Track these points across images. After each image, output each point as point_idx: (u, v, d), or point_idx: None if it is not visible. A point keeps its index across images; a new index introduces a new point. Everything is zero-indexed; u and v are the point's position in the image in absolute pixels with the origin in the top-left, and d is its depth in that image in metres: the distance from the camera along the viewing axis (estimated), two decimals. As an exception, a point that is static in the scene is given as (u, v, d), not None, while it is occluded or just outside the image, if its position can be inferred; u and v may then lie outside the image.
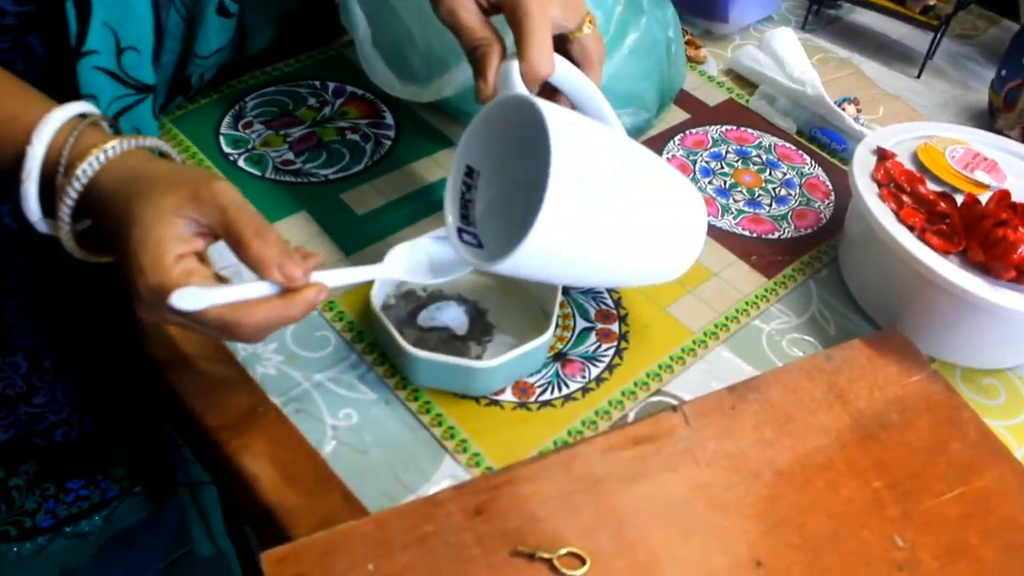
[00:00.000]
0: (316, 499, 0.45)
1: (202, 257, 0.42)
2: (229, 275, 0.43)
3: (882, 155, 0.57)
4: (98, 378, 0.70)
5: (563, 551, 0.41)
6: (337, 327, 0.52)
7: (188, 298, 0.38)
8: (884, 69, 0.82)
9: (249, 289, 0.40)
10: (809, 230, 0.63)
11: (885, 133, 0.59)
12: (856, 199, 0.54)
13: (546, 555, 0.41)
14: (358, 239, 0.58)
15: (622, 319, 0.55)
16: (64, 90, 0.54)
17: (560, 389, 0.50)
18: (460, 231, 0.47)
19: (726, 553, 0.43)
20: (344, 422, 0.48)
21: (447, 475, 0.46)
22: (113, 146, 0.42)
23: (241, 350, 0.51)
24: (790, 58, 0.73)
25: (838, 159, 0.69)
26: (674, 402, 0.50)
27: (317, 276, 0.42)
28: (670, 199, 0.47)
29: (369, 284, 0.51)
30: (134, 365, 0.67)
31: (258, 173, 0.61)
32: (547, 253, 0.42)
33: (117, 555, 0.92)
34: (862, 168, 0.56)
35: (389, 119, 0.67)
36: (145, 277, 0.39)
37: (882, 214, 0.53)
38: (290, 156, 0.63)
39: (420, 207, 0.60)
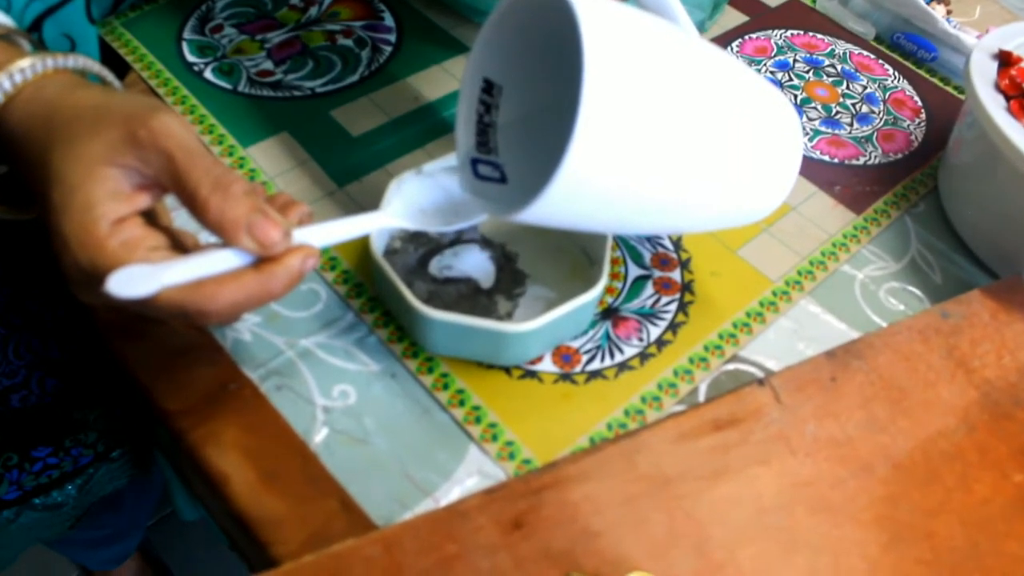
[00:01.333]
0: (305, 506, 0.34)
1: (150, 217, 0.31)
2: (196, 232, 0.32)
3: (1006, 60, 0.46)
4: (56, 329, 0.59)
5: (630, 578, 0.32)
6: (328, 278, 0.42)
7: (130, 281, 0.28)
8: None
9: (212, 261, 0.29)
10: (899, 155, 0.52)
11: (1007, 33, 0.48)
12: (977, 114, 0.43)
13: (607, 583, 0.31)
14: (353, 166, 0.47)
15: (684, 264, 0.44)
16: None
17: (612, 355, 0.40)
18: (475, 162, 0.36)
19: (838, 573, 0.33)
20: (339, 402, 0.37)
21: (473, 471, 0.36)
22: (22, 68, 0.31)
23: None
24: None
25: (926, 69, 0.58)
26: (757, 372, 0.40)
27: (301, 235, 0.31)
28: (757, 117, 0.36)
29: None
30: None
31: (229, 86, 0.50)
32: (587, 190, 0.31)
33: (102, 519, 0.83)
34: (982, 77, 0.45)
35: (389, 20, 0.55)
36: (72, 254, 0.29)
37: (1014, 132, 0.42)
38: (268, 66, 0.51)
39: (428, 127, 0.49)
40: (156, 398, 0.37)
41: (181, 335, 0.39)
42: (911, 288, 0.45)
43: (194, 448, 0.36)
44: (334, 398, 0.38)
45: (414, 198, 0.38)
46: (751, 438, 0.36)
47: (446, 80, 0.52)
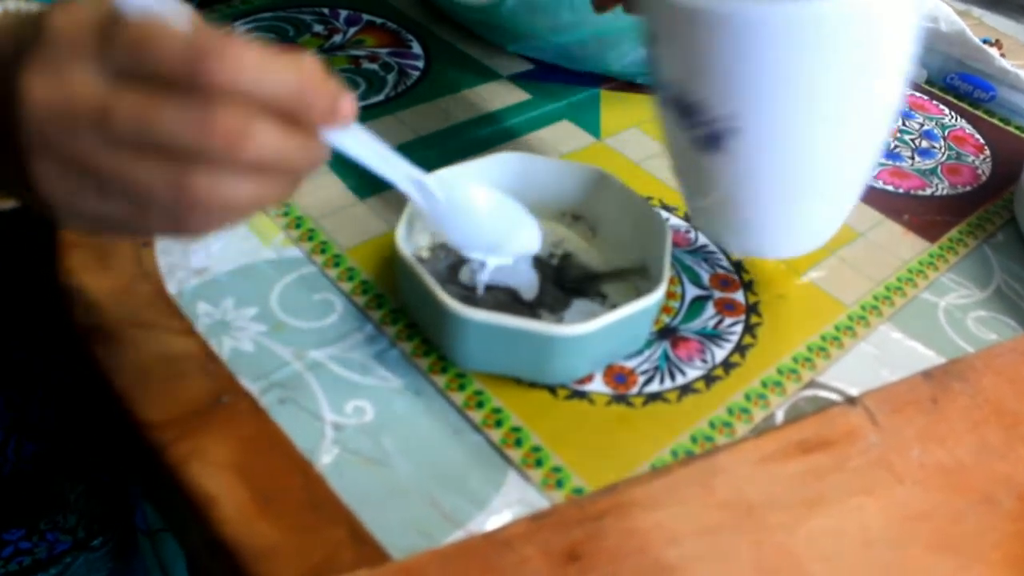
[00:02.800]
0: (305, 535, 0.28)
1: None
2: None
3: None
4: (36, 386, 0.54)
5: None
6: (345, 288, 0.36)
7: None
8: (1012, 23, 0.67)
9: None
10: (967, 187, 0.47)
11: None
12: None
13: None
14: (375, 180, 0.42)
15: (747, 286, 0.39)
16: None
17: (673, 377, 0.34)
18: None
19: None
20: (353, 419, 0.32)
21: (513, 500, 0.30)
22: None
23: (203, 316, 0.35)
24: None
25: (983, 110, 0.54)
26: (838, 397, 0.34)
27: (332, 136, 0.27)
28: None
29: (389, 230, 0.36)
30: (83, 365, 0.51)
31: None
32: None
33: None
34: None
35: (416, 48, 0.52)
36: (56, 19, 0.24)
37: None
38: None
39: (460, 146, 0.45)
40: (135, 409, 0.31)
41: (170, 341, 0.33)
42: (1001, 317, 0.40)
43: (176, 465, 0.30)
44: (347, 415, 0.32)
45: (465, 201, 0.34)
46: (847, 464, 0.30)
47: (478, 103, 0.48)
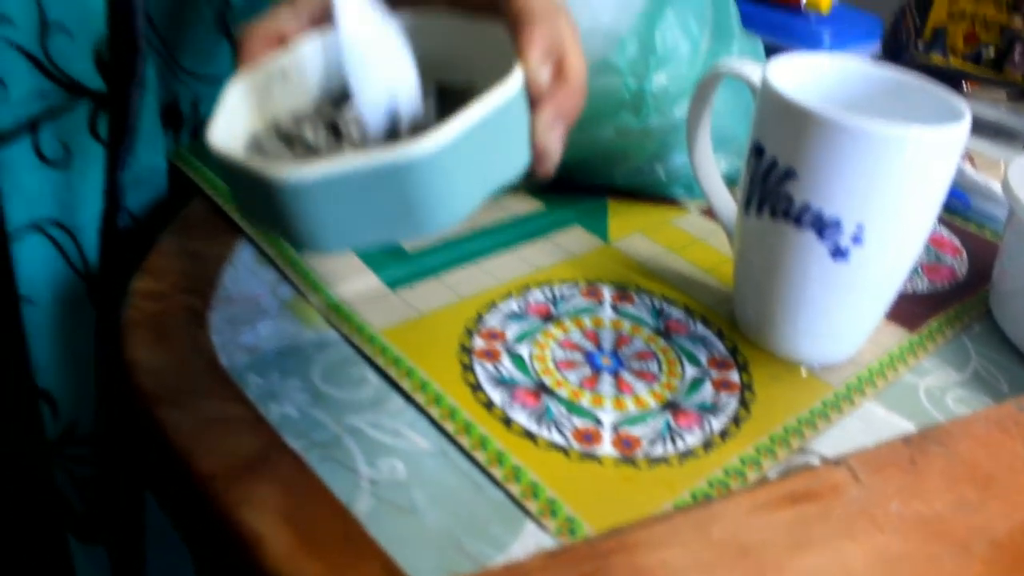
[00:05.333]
0: (346, 571, 0.31)
1: None
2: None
3: (1045, 178, 0.47)
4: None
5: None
6: (379, 363, 0.41)
7: None
8: (985, 143, 0.73)
9: None
10: (946, 284, 0.52)
11: (1041, 159, 0.49)
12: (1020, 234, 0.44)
13: (690, 646, 0.28)
14: (406, 275, 0.47)
15: (741, 367, 0.43)
16: None
17: (675, 443, 0.38)
18: None
19: (951, 652, 0.29)
20: (387, 475, 0.35)
21: (530, 546, 0.33)
22: None
23: (253, 385, 0.39)
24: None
25: (959, 218, 0.59)
26: (824, 461, 0.38)
27: None
28: None
29: (418, 316, 0.40)
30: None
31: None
32: None
33: None
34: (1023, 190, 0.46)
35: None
36: None
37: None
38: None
39: (485, 246, 0.50)
40: (192, 462, 0.35)
41: (224, 407, 0.37)
42: (979, 395, 0.43)
43: (228, 510, 0.33)
44: (381, 471, 0.35)
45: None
46: (831, 513, 0.33)
47: (498, 211, 0.54)
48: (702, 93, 0.46)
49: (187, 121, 0.60)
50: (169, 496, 0.38)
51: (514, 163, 0.32)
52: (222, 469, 0.35)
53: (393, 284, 0.46)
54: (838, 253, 0.38)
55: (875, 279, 0.40)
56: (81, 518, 0.59)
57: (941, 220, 0.59)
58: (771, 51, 0.56)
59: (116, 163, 0.53)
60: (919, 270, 0.53)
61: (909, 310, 0.48)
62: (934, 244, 0.56)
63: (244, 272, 0.46)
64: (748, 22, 0.68)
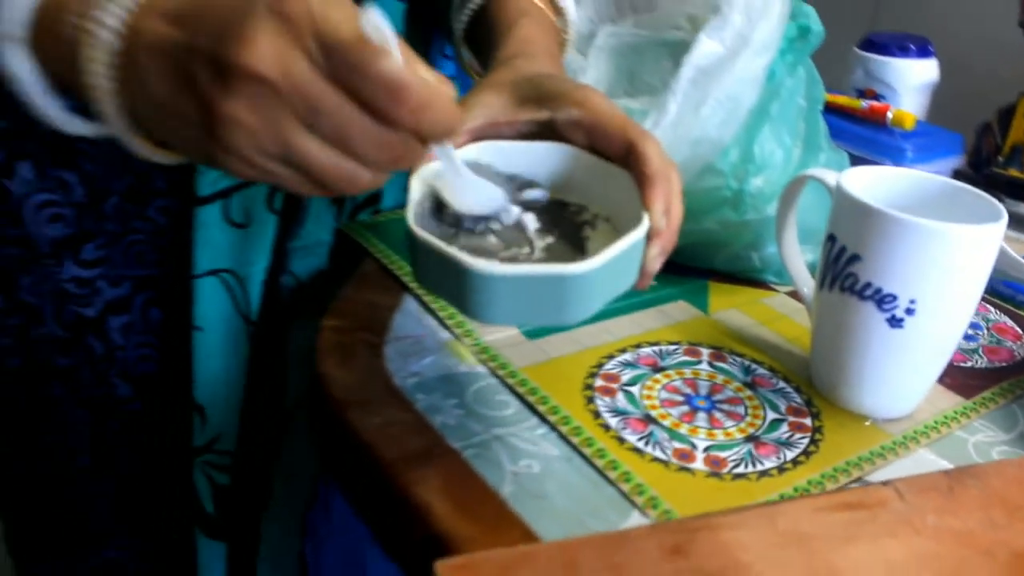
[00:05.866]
0: (494, 532, 0.41)
1: None
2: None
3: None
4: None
5: (776, 593, 0.37)
6: (519, 392, 0.51)
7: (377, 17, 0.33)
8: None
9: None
10: (1004, 363, 0.59)
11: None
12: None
13: (757, 595, 0.37)
14: (540, 328, 0.58)
15: (814, 415, 0.52)
16: None
17: (755, 465, 0.47)
18: None
19: (966, 623, 0.37)
20: (525, 471, 0.45)
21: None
22: None
23: (420, 400, 0.50)
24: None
25: (1022, 309, 0.67)
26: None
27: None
28: None
29: (547, 359, 0.50)
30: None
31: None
32: None
33: None
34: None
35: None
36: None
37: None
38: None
39: (612, 309, 0.60)
40: (378, 452, 0.46)
41: (398, 414, 0.49)
42: (1022, 451, 0.51)
43: (404, 487, 0.44)
44: (521, 467, 0.46)
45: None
46: (878, 519, 0.42)
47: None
48: (789, 194, 0.56)
49: (348, 201, 0.73)
50: (353, 480, 0.49)
51: (629, 280, 0.44)
52: (399, 458, 0.46)
53: (531, 335, 0.57)
54: (894, 321, 0.48)
55: (927, 344, 0.49)
56: (210, 517, 0.71)
57: (1004, 310, 0.67)
58: (858, 163, 0.66)
59: (286, 233, 0.66)
60: (980, 351, 0.60)
61: (966, 382, 0.56)
62: (996, 331, 0.63)
63: (410, 318, 0.58)
64: (838, 136, 0.78)
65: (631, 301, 0.63)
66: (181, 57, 0.36)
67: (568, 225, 0.46)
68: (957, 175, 0.86)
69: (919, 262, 0.46)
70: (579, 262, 0.38)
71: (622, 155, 0.46)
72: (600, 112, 0.47)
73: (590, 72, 0.74)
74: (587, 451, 0.47)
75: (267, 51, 0.34)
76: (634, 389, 0.52)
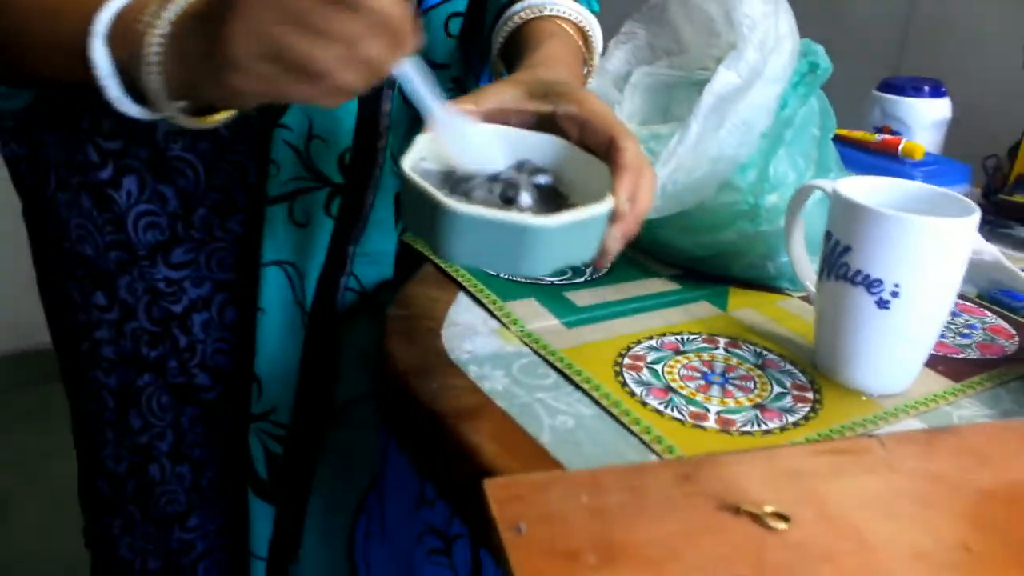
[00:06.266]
0: (534, 467, 0.49)
1: None
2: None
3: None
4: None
5: (768, 508, 0.44)
6: (557, 365, 0.60)
7: None
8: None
9: None
10: (994, 356, 0.66)
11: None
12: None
13: (751, 510, 0.44)
14: (580, 319, 0.66)
15: (816, 390, 0.59)
16: (256, 147, 0.68)
17: (760, 426, 0.54)
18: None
19: (931, 536, 0.44)
20: (561, 425, 0.53)
21: (653, 468, 0.50)
22: None
23: (473, 372, 0.58)
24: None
25: (1020, 315, 0.73)
26: (869, 444, 0.53)
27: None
28: None
29: (581, 344, 0.58)
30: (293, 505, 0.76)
31: (494, 274, 0.72)
32: None
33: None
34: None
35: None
36: None
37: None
38: (518, 268, 0.74)
39: (657, 303, 0.69)
40: (436, 407, 0.54)
41: (453, 380, 0.57)
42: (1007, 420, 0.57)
43: (457, 435, 0.52)
44: (557, 422, 0.54)
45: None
46: (862, 460, 0.49)
47: (648, 289, 0.73)
48: (796, 201, 0.64)
49: None
50: (413, 432, 0.57)
51: (586, 253, 0.50)
52: (453, 413, 0.54)
53: (568, 324, 0.65)
54: (882, 303, 0.55)
55: (911, 324, 0.56)
56: (262, 481, 0.79)
57: (1000, 314, 0.73)
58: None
59: (348, 237, 0.75)
60: (974, 347, 0.67)
61: (958, 368, 0.63)
62: (991, 331, 0.70)
63: (463, 309, 0.67)
64: (852, 165, 0.86)
65: (659, 300, 0.71)
66: (201, 10, 0.48)
67: (552, 206, 0.52)
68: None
69: (899, 250, 0.53)
70: (539, 218, 0.45)
71: (606, 149, 0.54)
72: (591, 110, 0.55)
73: (626, 106, 0.84)
74: (614, 410, 0.55)
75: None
76: (657, 367, 0.60)
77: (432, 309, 0.66)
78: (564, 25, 0.72)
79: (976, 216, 0.55)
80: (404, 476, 0.64)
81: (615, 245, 0.53)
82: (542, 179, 0.53)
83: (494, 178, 0.51)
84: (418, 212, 0.48)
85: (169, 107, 0.52)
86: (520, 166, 0.54)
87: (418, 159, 0.51)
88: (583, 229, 0.48)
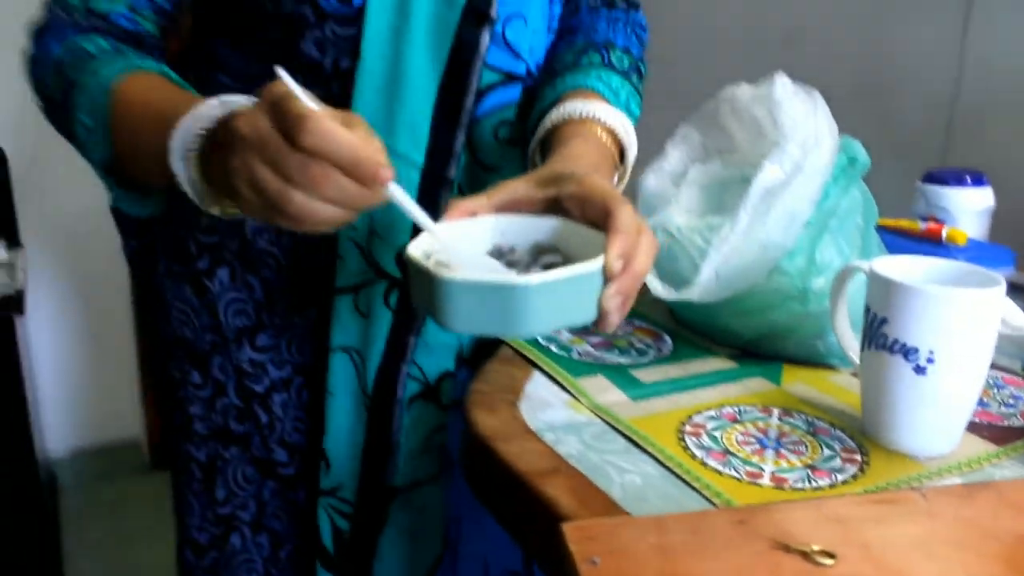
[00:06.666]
0: (606, 517, 0.56)
1: None
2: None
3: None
4: None
5: (816, 547, 0.49)
6: (626, 433, 0.66)
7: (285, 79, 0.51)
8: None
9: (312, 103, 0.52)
10: (1038, 425, 0.70)
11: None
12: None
13: (801, 548, 0.49)
14: (643, 394, 0.73)
15: (864, 452, 0.64)
16: (326, 242, 0.79)
17: (811, 483, 0.60)
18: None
19: (968, 575, 0.49)
20: (629, 482, 0.60)
21: (713, 519, 0.56)
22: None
23: (548, 437, 0.65)
24: (1008, 312, 0.85)
25: (1064, 388, 0.78)
26: (913, 498, 0.58)
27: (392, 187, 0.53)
28: None
29: (644, 415, 0.65)
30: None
31: (564, 355, 0.80)
32: None
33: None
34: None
35: (668, 339, 0.85)
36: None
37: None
38: (591, 349, 0.81)
39: (701, 382, 0.75)
40: (517, 467, 0.61)
41: (529, 446, 0.64)
42: (1042, 483, 0.62)
43: (537, 489, 0.59)
44: (626, 480, 0.60)
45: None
46: (904, 511, 0.54)
47: (708, 367, 0.79)
48: (840, 281, 0.71)
49: None
50: (496, 489, 0.64)
51: (584, 314, 0.55)
52: (532, 471, 0.61)
53: (634, 398, 0.72)
54: (919, 370, 0.61)
55: (948, 387, 0.61)
56: (328, 554, 0.85)
57: (1045, 386, 0.78)
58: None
59: (407, 328, 0.82)
60: (1017, 415, 0.72)
61: (1001, 434, 0.68)
62: (1035, 400, 0.75)
63: (538, 385, 0.74)
64: (895, 250, 0.92)
65: (718, 377, 0.77)
66: (221, 140, 0.57)
67: None
68: (1011, 285, 0.98)
69: (930, 319, 0.60)
70: (524, 276, 0.49)
71: (603, 219, 0.60)
72: (589, 186, 0.62)
73: (684, 201, 0.92)
74: (677, 470, 0.61)
75: (246, 119, 0.54)
76: (716, 433, 0.66)
77: (510, 384, 0.74)
78: (594, 127, 0.78)
79: (1000, 288, 0.61)
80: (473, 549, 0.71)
81: (611, 304, 0.58)
82: (551, 258, 0.60)
83: (498, 254, 0.59)
84: (419, 288, 0.53)
85: (213, 210, 0.62)
86: (537, 248, 0.61)
87: (425, 248, 0.57)
88: (572, 287, 0.52)
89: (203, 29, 0.83)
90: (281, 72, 0.53)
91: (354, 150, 0.51)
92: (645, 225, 0.62)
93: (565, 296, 0.51)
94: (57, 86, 0.70)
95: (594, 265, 0.54)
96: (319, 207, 0.53)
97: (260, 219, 0.57)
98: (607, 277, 0.57)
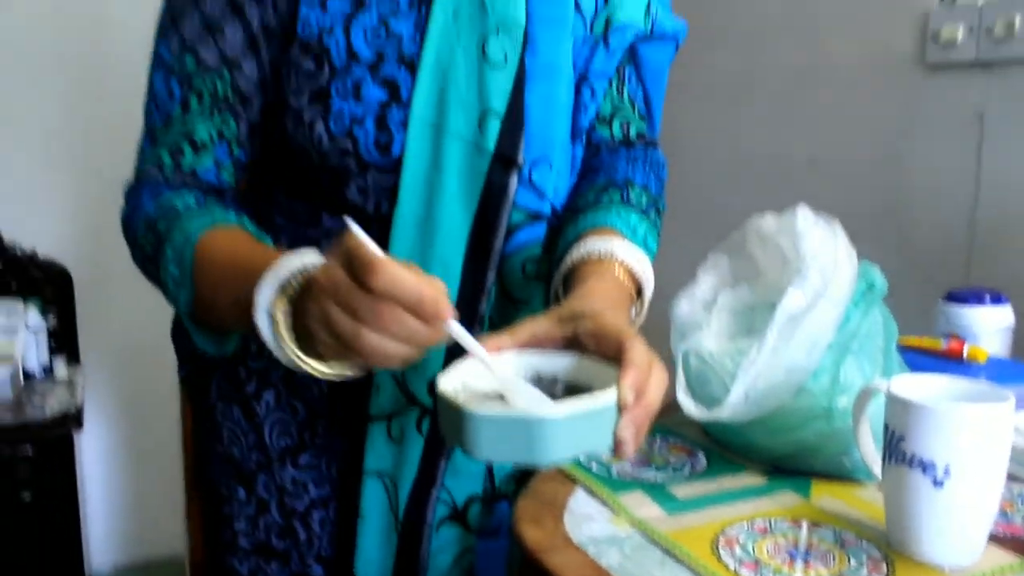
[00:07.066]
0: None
1: None
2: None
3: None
4: None
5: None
6: (664, 545, 0.71)
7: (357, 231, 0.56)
8: None
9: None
10: (1060, 537, 0.74)
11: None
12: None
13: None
14: (679, 508, 0.77)
15: (889, 563, 0.68)
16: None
17: (838, 590, 0.64)
18: None
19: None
20: (667, 591, 0.64)
21: (747, 626, 0.60)
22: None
23: (589, 546, 0.70)
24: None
25: (1086, 502, 0.81)
26: (936, 607, 0.62)
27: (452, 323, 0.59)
28: None
29: (679, 528, 0.70)
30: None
31: (605, 475, 0.85)
32: None
33: None
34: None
35: (701, 456, 0.90)
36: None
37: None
38: (628, 469, 0.86)
39: (734, 497, 0.79)
40: (560, 573, 0.66)
41: (572, 557, 0.68)
42: (1062, 593, 0.65)
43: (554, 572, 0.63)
44: (664, 589, 0.64)
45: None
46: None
47: (740, 483, 0.84)
48: (861, 400, 0.76)
49: None
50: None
51: (601, 443, 0.59)
52: (549, 545, 0.65)
53: (670, 512, 0.77)
54: (937, 483, 0.65)
55: (966, 499, 0.65)
56: None
57: (1066, 500, 0.81)
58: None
59: (438, 453, 0.87)
60: (1039, 527, 0.75)
61: (1022, 547, 0.71)
62: (1056, 513, 0.78)
63: (581, 501, 0.79)
64: (917, 368, 0.97)
65: (749, 491, 0.82)
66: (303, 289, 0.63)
67: None
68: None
69: (943, 435, 0.64)
70: (543, 410, 0.54)
71: (617, 354, 0.65)
72: (603, 323, 0.67)
73: (714, 325, 0.98)
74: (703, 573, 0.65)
75: (323, 271, 0.59)
76: (749, 545, 0.70)
77: (554, 500, 0.79)
78: (612, 264, 0.81)
79: (1009, 403, 0.65)
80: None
81: (625, 434, 0.62)
82: (559, 388, 0.66)
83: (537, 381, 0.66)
84: (447, 420, 0.58)
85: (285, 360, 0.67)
86: (558, 385, 0.67)
87: (457, 381, 0.62)
88: (588, 420, 0.57)
89: (261, 175, 0.92)
90: (351, 224, 0.59)
91: (418, 291, 0.57)
92: (656, 360, 0.67)
93: (582, 428, 0.55)
94: (148, 241, 0.79)
95: (608, 398, 0.58)
96: (388, 344, 0.58)
97: (335, 358, 0.63)
98: (620, 409, 0.62)
